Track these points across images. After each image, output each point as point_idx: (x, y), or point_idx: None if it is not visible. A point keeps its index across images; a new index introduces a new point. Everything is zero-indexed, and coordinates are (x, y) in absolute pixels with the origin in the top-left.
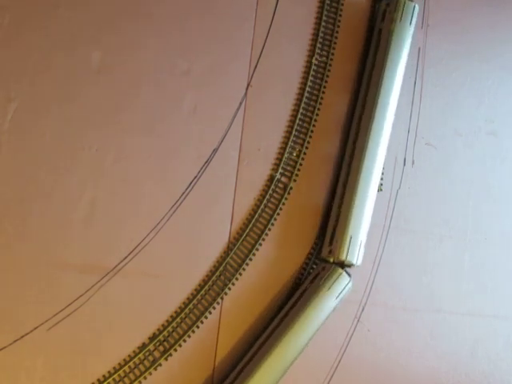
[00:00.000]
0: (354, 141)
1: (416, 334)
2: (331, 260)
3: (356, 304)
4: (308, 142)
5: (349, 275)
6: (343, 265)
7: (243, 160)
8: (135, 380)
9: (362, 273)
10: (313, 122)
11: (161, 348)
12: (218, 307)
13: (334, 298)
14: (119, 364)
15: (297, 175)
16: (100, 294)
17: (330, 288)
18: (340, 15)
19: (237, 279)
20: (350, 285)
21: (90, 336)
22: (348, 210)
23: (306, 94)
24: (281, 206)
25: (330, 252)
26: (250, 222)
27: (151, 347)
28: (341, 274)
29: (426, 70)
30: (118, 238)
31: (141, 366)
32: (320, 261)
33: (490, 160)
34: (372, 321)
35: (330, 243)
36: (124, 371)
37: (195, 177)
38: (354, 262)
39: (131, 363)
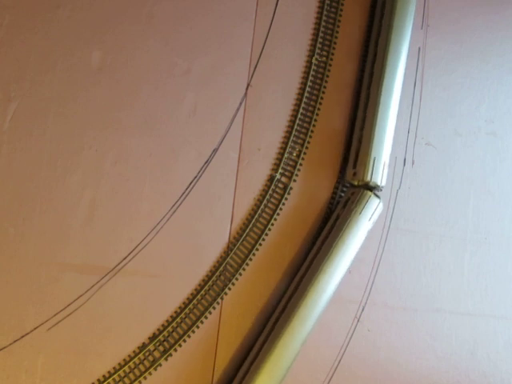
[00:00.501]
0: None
1: (416, 334)
2: (356, 183)
3: (356, 304)
4: (308, 142)
5: (378, 197)
6: (369, 187)
7: (243, 160)
8: (135, 380)
9: (362, 273)
10: (313, 122)
11: (161, 348)
12: (218, 307)
13: (366, 221)
14: (119, 364)
15: (297, 175)
16: (100, 294)
17: (361, 212)
18: (340, 15)
19: (237, 279)
20: (380, 206)
21: (90, 336)
22: (370, 131)
23: (305, 94)
24: (281, 205)
25: (355, 175)
26: (249, 222)
27: (151, 347)
28: (370, 196)
29: (426, 70)
30: (117, 238)
31: (141, 366)
32: (348, 186)
33: (490, 160)
34: (372, 321)
35: (354, 166)
36: (124, 371)
37: (195, 177)
38: (379, 182)
39: (131, 363)
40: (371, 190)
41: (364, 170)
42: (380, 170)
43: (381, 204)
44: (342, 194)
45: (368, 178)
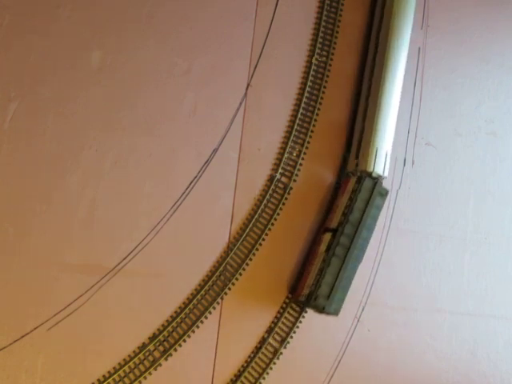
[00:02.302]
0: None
1: (416, 334)
2: None
3: (356, 304)
4: (308, 142)
5: None
6: None
7: (243, 160)
8: (135, 380)
9: (362, 273)
10: (313, 122)
11: (161, 348)
12: (218, 307)
13: None
14: (119, 364)
15: (297, 175)
16: (100, 294)
17: None
18: (340, 15)
19: (237, 279)
20: None
21: (90, 336)
22: None
23: (305, 94)
24: (281, 205)
25: None
26: (249, 221)
27: (151, 347)
28: None
29: (426, 70)
30: (118, 238)
31: (141, 366)
32: None
33: (490, 160)
34: (372, 321)
35: None
36: (124, 371)
37: (195, 177)
38: None
39: (131, 363)
40: None
41: None
42: None
43: None
44: None
45: None
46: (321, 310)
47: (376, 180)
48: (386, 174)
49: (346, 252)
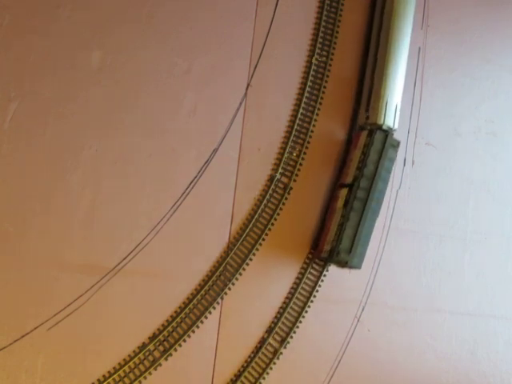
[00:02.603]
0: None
1: (416, 334)
2: None
3: (356, 304)
4: (308, 142)
5: None
6: None
7: (243, 160)
8: (135, 380)
9: (362, 273)
10: (313, 122)
11: (161, 348)
12: (218, 307)
13: None
14: (119, 364)
15: (297, 175)
16: (100, 294)
17: None
18: (340, 15)
19: (237, 279)
20: None
21: (90, 336)
22: None
23: (305, 94)
24: (281, 205)
25: None
26: (250, 221)
27: (151, 347)
28: None
29: (426, 69)
30: (118, 238)
31: (141, 366)
32: None
33: (490, 160)
34: (372, 321)
35: None
36: (124, 371)
37: (195, 177)
38: None
39: (131, 363)
40: None
41: None
42: None
43: None
44: None
45: None
46: (343, 264)
47: (387, 132)
48: (395, 126)
49: (363, 205)
